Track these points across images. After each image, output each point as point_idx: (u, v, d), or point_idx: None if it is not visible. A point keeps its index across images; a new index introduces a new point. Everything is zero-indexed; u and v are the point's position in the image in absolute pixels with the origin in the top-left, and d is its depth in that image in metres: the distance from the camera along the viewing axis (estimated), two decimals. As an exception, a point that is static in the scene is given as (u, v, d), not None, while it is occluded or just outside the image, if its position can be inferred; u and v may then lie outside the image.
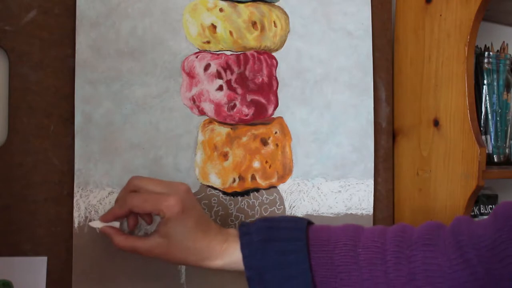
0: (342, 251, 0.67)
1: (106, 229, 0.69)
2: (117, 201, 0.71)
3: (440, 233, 0.66)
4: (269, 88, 0.86)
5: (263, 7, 0.86)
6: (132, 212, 0.69)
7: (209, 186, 0.82)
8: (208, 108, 0.82)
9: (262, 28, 0.85)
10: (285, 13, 0.87)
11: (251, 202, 0.84)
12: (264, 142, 0.85)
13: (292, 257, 0.66)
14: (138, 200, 0.67)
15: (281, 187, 0.86)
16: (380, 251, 0.66)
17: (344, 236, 0.68)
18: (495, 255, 0.60)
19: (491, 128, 1.00)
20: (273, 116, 0.86)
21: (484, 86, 1.00)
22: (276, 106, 0.86)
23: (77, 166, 0.74)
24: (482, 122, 1.00)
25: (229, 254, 0.68)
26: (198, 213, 0.69)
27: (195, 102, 0.81)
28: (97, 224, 0.70)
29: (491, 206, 1.11)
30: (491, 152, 1.00)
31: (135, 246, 0.68)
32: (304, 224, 0.70)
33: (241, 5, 0.84)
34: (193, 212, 0.68)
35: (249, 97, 0.84)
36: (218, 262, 0.68)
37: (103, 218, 0.70)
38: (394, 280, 0.64)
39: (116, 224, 0.70)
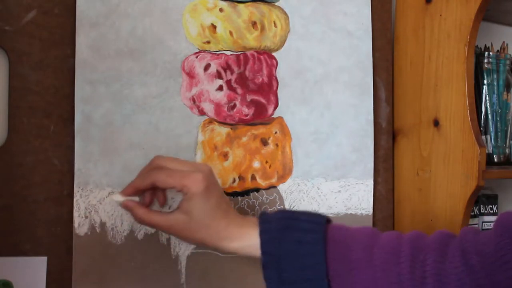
0: (358, 248, 0.67)
1: (127, 202, 0.68)
2: (138, 176, 0.70)
3: (450, 241, 0.67)
4: (269, 88, 0.86)
5: (263, 7, 0.86)
6: (153, 187, 0.68)
7: (209, 186, 0.82)
8: (208, 108, 0.82)
9: (262, 28, 0.85)
10: (285, 13, 0.87)
11: (251, 202, 0.84)
12: (264, 142, 0.85)
13: (309, 248, 0.67)
14: (163, 174, 0.67)
15: (281, 187, 0.86)
16: (395, 252, 0.67)
17: (362, 235, 0.69)
18: (495, 261, 0.61)
19: (491, 128, 1.00)
20: (273, 116, 0.86)
21: (484, 86, 1.00)
22: (276, 106, 0.86)
23: (77, 166, 0.74)
24: (482, 122, 1.00)
25: (247, 238, 0.68)
26: (220, 193, 0.69)
27: (195, 102, 0.81)
28: (118, 198, 0.68)
29: (491, 206, 1.11)
30: (491, 152, 1.00)
31: (156, 220, 0.67)
32: (323, 219, 0.70)
33: (241, 5, 0.84)
34: (216, 192, 0.68)
35: (249, 97, 0.84)
36: (235, 244, 0.68)
37: (124, 192, 0.69)
38: (406, 282, 0.65)
39: (136, 199, 0.69)
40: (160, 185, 0.67)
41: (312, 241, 0.67)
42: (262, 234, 0.68)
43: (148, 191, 0.70)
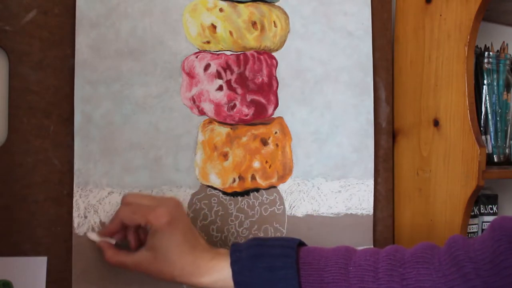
0: (332, 268, 0.66)
1: (100, 244, 0.71)
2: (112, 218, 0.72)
3: (434, 252, 0.65)
4: (269, 88, 0.86)
5: (263, 7, 0.86)
6: (124, 225, 0.70)
7: (209, 186, 0.82)
8: (208, 108, 0.82)
9: (262, 28, 0.85)
10: (285, 13, 0.87)
11: (251, 202, 0.84)
12: (264, 142, 0.85)
13: (281, 273, 0.66)
14: (127, 211, 0.68)
15: (281, 187, 0.86)
16: (372, 269, 0.65)
17: (335, 255, 0.68)
18: (493, 267, 0.60)
19: (491, 128, 1.00)
20: (273, 116, 0.86)
21: (484, 86, 1.00)
22: (276, 106, 0.86)
23: (76, 166, 0.74)
24: (482, 122, 1.00)
25: (218, 271, 0.68)
26: (186, 227, 0.69)
27: (195, 102, 0.81)
28: (94, 237, 0.72)
29: (491, 206, 1.11)
30: (491, 152, 1.00)
31: (123, 260, 0.69)
32: (294, 243, 0.69)
33: (241, 5, 0.84)
34: (181, 226, 0.68)
35: (249, 97, 0.84)
36: (206, 279, 0.68)
37: (100, 233, 0.72)
38: None
39: (112, 241, 0.71)
40: (126, 222, 0.69)
41: (284, 266, 0.66)
42: (233, 264, 0.67)
43: (132, 233, 0.71)
